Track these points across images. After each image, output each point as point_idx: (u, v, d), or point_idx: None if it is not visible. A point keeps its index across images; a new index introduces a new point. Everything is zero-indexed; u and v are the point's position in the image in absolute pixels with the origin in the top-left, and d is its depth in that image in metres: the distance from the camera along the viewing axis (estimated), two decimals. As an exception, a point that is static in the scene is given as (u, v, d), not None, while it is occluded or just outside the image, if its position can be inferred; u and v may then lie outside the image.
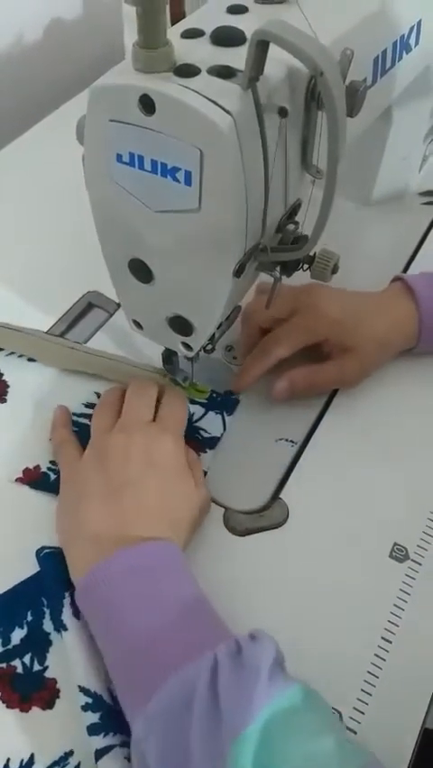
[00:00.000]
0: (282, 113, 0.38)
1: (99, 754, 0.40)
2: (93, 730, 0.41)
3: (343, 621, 0.47)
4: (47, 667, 0.45)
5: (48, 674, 0.45)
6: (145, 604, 0.42)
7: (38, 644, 0.46)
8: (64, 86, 0.87)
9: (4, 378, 0.59)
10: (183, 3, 0.88)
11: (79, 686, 0.42)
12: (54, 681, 0.45)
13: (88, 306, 0.66)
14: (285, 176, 0.42)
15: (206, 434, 0.56)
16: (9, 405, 0.58)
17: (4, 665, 0.45)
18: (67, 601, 0.46)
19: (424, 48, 0.55)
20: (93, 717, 0.41)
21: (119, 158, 0.39)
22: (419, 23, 0.52)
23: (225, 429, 0.57)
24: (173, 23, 0.42)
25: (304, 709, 0.37)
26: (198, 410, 0.57)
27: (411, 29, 0.51)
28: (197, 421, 0.57)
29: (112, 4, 0.96)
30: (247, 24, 0.39)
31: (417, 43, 0.53)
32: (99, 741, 0.41)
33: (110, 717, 0.42)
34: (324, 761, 0.35)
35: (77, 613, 0.45)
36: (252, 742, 0.35)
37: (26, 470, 0.53)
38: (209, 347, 0.52)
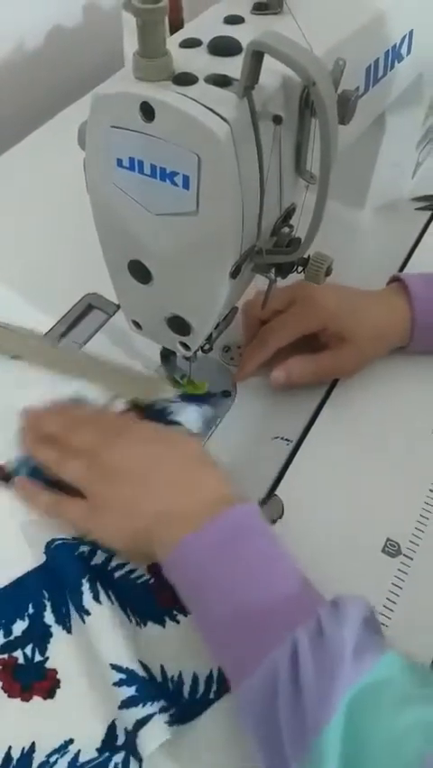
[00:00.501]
0: (277, 120, 0.39)
1: (139, 724, 0.42)
2: (131, 703, 0.42)
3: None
4: (47, 658, 0.46)
5: (48, 665, 0.46)
6: (232, 579, 0.43)
7: (39, 636, 0.47)
8: (65, 92, 0.89)
9: None
10: (181, 11, 0.89)
11: (111, 664, 0.44)
12: (55, 671, 0.46)
13: (88, 307, 0.67)
14: (280, 181, 0.43)
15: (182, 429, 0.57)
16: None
17: (5, 656, 0.46)
18: (86, 587, 0.47)
19: (416, 57, 0.56)
20: (129, 691, 0.43)
21: (120, 162, 0.41)
22: (410, 33, 0.54)
23: (202, 423, 0.58)
24: (172, 31, 0.44)
25: (388, 682, 0.37)
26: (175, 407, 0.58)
27: (403, 39, 0.53)
28: (169, 414, 0.57)
29: (112, 12, 0.97)
30: (243, 35, 0.40)
31: (409, 53, 0.55)
32: (139, 712, 0.42)
33: (145, 688, 0.43)
34: (410, 734, 0.35)
35: (97, 597, 0.46)
36: (335, 733, 0.35)
37: None
38: (207, 347, 0.53)
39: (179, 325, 0.50)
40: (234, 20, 0.43)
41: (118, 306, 0.65)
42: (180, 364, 0.58)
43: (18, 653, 0.47)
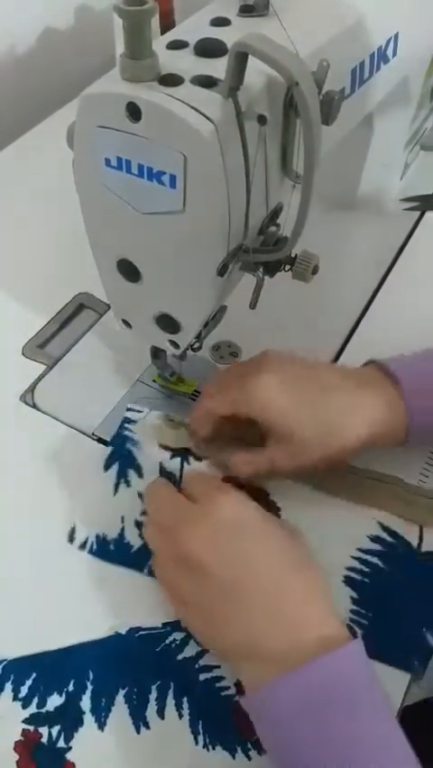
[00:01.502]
0: (262, 120, 0.40)
1: None
2: None
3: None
4: (71, 748, 0.43)
5: (69, 756, 0.43)
6: (314, 753, 0.37)
7: (70, 720, 0.44)
8: (57, 94, 0.89)
9: None
10: (173, 13, 0.90)
11: None
12: (73, 765, 0.43)
13: (79, 307, 0.68)
14: (266, 180, 0.44)
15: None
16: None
17: (31, 728, 0.44)
18: (154, 696, 0.44)
19: (402, 59, 0.57)
20: None
21: (107, 162, 0.41)
22: (396, 36, 0.55)
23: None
24: (163, 33, 0.44)
25: None
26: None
27: (388, 41, 0.54)
28: None
29: (104, 16, 0.98)
30: (229, 36, 0.41)
31: (394, 55, 0.55)
32: None
33: None
34: None
35: (162, 710, 0.44)
36: None
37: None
38: (196, 345, 0.54)
39: (168, 324, 0.50)
40: (220, 22, 0.44)
41: (109, 306, 0.66)
42: (170, 362, 0.59)
43: (44, 731, 0.44)
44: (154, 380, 0.61)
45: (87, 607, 0.49)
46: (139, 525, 0.52)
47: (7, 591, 0.50)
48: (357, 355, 0.60)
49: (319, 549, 0.49)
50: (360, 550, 0.51)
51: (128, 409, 0.57)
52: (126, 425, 0.56)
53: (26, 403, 0.60)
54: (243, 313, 0.51)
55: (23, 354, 0.64)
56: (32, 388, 0.61)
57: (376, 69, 0.53)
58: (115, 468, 0.55)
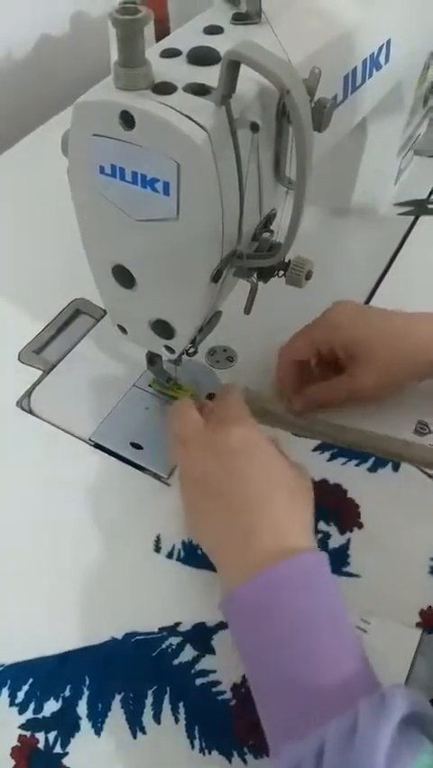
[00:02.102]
0: (254, 128, 0.40)
1: None
2: None
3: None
4: (67, 753, 0.43)
5: (66, 762, 0.43)
6: (275, 646, 0.40)
7: (66, 725, 0.44)
8: (53, 101, 0.89)
9: None
10: (168, 21, 0.90)
11: None
12: None
13: (76, 312, 0.68)
14: (259, 187, 0.44)
15: None
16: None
17: (28, 734, 0.44)
18: (150, 701, 0.45)
19: (394, 65, 0.57)
20: None
21: (102, 169, 0.41)
22: (388, 42, 0.55)
23: None
24: (158, 40, 0.45)
25: None
26: None
27: (381, 48, 0.54)
28: None
29: (99, 23, 0.98)
30: (222, 44, 0.41)
31: (387, 61, 0.56)
32: None
33: None
34: None
35: (159, 715, 0.44)
36: None
37: None
38: (192, 350, 0.54)
39: (163, 329, 0.51)
40: (213, 30, 0.44)
41: (105, 311, 0.66)
42: (166, 368, 0.59)
43: (41, 736, 0.44)
44: (150, 385, 0.61)
45: (83, 612, 0.49)
46: None
47: (4, 597, 0.50)
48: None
49: (404, 540, 0.51)
50: None
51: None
52: None
53: (23, 408, 0.60)
54: (237, 318, 0.51)
55: (19, 360, 0.64)
56: (28, 394, 0.61)
57: (369, 76, 0.54)
58: None
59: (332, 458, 0.57)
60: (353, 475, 0.55)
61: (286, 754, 0.37)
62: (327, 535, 0.52)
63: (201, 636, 0.48)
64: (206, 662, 0.47)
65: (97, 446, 0.58)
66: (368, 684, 0.39)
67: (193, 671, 0.46)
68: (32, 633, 0.48)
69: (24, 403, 0.61)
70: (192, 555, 0.51)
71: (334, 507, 0.53)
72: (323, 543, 0.52)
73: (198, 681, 0.46)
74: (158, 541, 0.52)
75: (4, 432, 0.59)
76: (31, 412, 0.60)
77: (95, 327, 0.66)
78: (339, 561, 0.51)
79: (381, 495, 0.54)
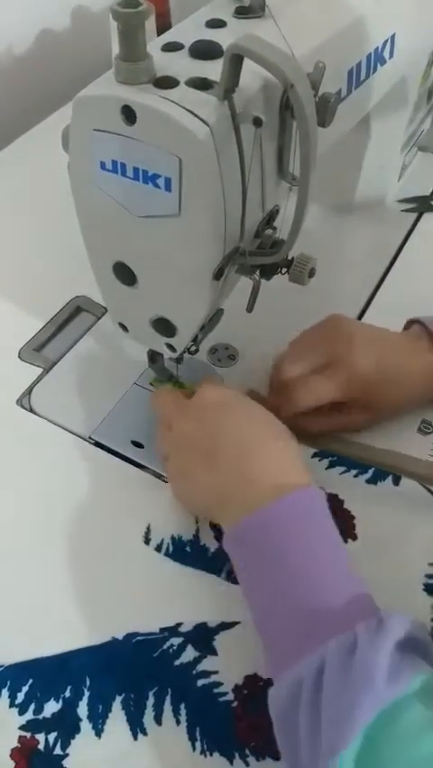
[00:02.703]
0: (257, 123, 0.40)
1: None
2: None
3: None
4: (68, 755, 0.43)
5: (66, 763, 0.43)
6: (279, 573, 0.42)
7: (67, 726, 0.44)
8: (54, 96, 0.89)
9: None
10: (169, 15, 0.90)
11: None
12: None
13: (77, 309, 0.68)
14: (262, 183, 0.44)
15: None
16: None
17: (28, 735, 0.44)
18: (151, 702, 0.44)
19: (398, 60, 0.56)
20: None
21: (102, 165, 0.41)
22: (392, 37, 0.54)
23: None
24: (159, 34, 0.44)
25: (413, 707, 0.34)
26: None
27: (385, 42, 0.53)
28: None
29: (101, 16, 0.98)
30: (224, 38, 0.40)
31: (391, 56, 0.55)
32: None
33: None
34: (429, 763, 0.33)
35: (160, 716, 0.44)
36: (352, 759, 0.33)
37: None
38: (193, 349, 0.53)
39: (164, 327, 0.50)
40: (215, 24, 0.44)
41: (106, 309, 0.65)
42: (168, 366, 0.58)
43: (41, 737, 0.44)
44: (151, 383, 0.60)
45: (83, 612, 0.48)
46: (214, 526, 0.52)
47: (3, 597, 0.49)
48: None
49: (399, 555, 0.50)
50: None
51: None
52: None
53: (23, 407, 0.60)
54: (240, 316, 0.51)
55: (19, 357, 0.63)
56: (28, 392, 0.61)
57: (373, 71, 0.53)
58: None
59: (331, 466, 0.56)
60: (351, 485, 0.54)
61: (288, 673, 0.38)
62: None
63: (203, 637, 0.47)
64: (207, 663, 0.46)
65: (98, 445, 0.57)
66: (367, 608, 0.40)
67: (194, 672, 0.46)
68: (33, 633, 0.48)
69: (25, 401, 0.60)
70: (180, 552, 0.51)
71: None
72: None
73: (200, 683, 0.46)
74: (148, 532, 0.52)
75: (4, 430, 0.58)
76: (31, 410, 0.60)
77: (95, 325, 0.66)
78: None
79: (378, 508, 0.53)
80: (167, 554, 0.51)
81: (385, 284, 0.70)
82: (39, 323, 0.66)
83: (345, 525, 0.52)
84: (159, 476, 0.55)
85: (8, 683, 0.45)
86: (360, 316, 0.67)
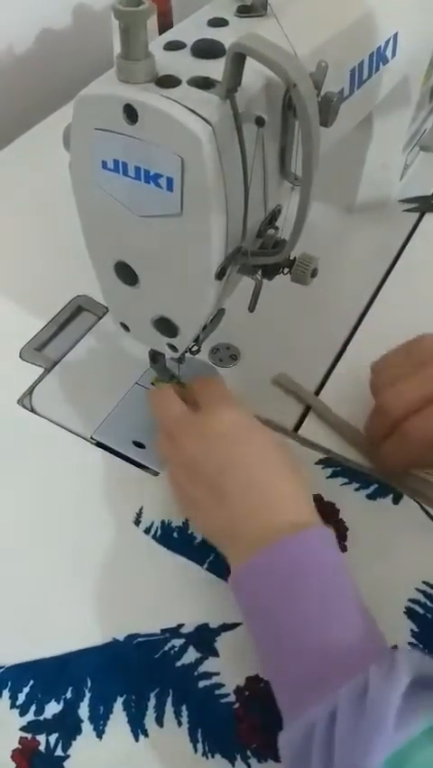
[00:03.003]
0: (260, 122, 0.40)
1: None
2: None
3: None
4: (68, 756, 0.43)
5: (67, 765, 0.43)
6: (286, 617, 0.41)
7: (68, 728, 0.44)
8: (55, 95, 0.89)
9: None
10: (171, 14, 0.90)
11: None
12: None
13: (78, 309, 0.67)
14: (264, 182, 0.43)
15: None
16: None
17: (29, 736, 0.43)
18: (152, 703, 0.44)
19: (401, 60, 0.56)
20: None
21: (104, 164, 0.41)
22: (395, 36, 0.54)
23: None
24: (161, 33, 0.44)
25: (424, 747, 0.34)
26: None
27: (388, 41, 0.53)
28: None
29: (101, 16, 0.97)
30: (227, 37, 0.40)
31: (394, 55, 0.55)
32: None
33: None
34: None
35: (161, 717, 0.44)
36: None
37: None
38: (195, 349, 0.53)
39: (166, 327, 0.50)
40: (218, 23, 0.43)
41: (107, 308, 0.65)
42: (169, 366, 0.58)
43: (42, 738, 0.43)
44: (153, 383, 0.60)
45: (84, 613, 0.48)
46: None
47: (4, 598, 0.49)
48: (356, 357, 0.59)
49: (385, 574, 0.49)
50: (426, 583, 0.49)
51: None
52: None
53: (24, 406, 0.60)
54: (241, 316, 0.51)
55: (20, 357, 0.63)
56: (29, 392, 0.61)
57: (375, 70, 0.53)
58: None
59: (333, 476, 0.55)
60: (350, 498, 0.53)
61: (301, 718, 0.38)
62: None
63: (204, 638, 0.47)
64: (209, 665, 0.46)
65: (99, 444, 0.57)
66: (378, 648, 0.40)
67: (196, 673, 0.46)
68: (33, 634, 0.48)
69: (26, 401, 0.60)
70: (167, 537, 0.51)
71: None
72: None
73: (201, 684, 0.45)
74: (139, 514, 0.53)
75: (5, 430, 0.58)
76: (32, 410, 0.59)
77: (97, 325, 0.66)
78: None
79: (373, 524, 0.52)
80: (154, 537, 0.51)
81: (387, 284, 0.70)
82: (40, 322, 0.66)
83: (337, 535, 0.51)
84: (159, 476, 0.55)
85: (9, 684, 0.45)
86: (362, 316, 0.67)
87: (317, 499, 0.53)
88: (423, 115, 0.75)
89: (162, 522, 0.52)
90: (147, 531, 0.52)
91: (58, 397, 0.60)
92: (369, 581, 0.47)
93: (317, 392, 0.61)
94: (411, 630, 0.47)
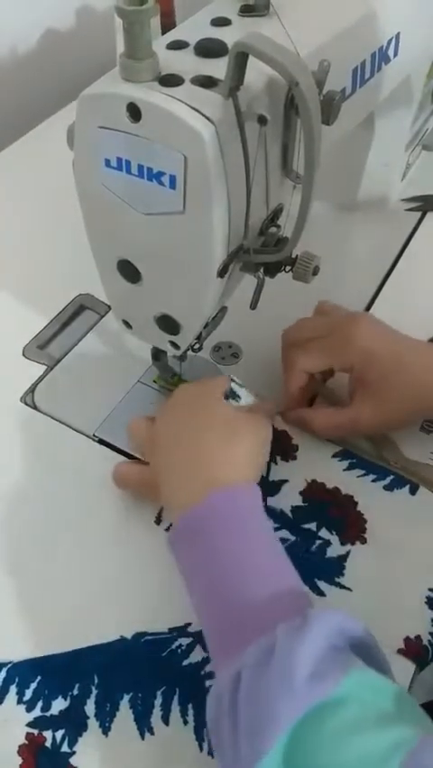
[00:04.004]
0: (262, 120, 0.40)
1: None
2: None
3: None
4: (74, 753, 0.43)
5: (73, 761, 0.43)
6: (207, 573, 0.42)
7: (74, 724, 0.44)
8: (58, 94, 0.89)
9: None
10: (174, 14, 0.90)
11: None
12: None
13: (80, 308, 0.68)
14: (266, 181, 0.44)
15: None
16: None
17: (35, 732, 0.44)
18: (159, 701, 0.44)
19: (403, 59, 0.56)
20: None
21: (107, 163, 0.41)
22: (397, 36, 0.54)
23: None
24: (164, 33, 0.44)
25: (337, 709, 0.33)
26: None
27: (390, 41, 0.53)
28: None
29: (104, 15, 0.98)
30: (229, 36, 0.41)
31: (396, 55, 0.55)
32: None
33: None
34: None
35: (167, 716, 0.44)
36: (274, 764, 0.32)
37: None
38: (197, 346, 0.54)
39: (168, 324, 0.50)
40: (221, 22, 0.44)
41: (110, 307, 0.66)
42: (171, 363, 0.59)
43: (48, 734, 0.43)
44: (155, 381, 0.61)
45: (92, 611, 0.49)
46: None
47: (11, 595, 0.50)
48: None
49: (404, 564, 0.49)
50: None
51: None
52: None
53: (27, 404, 0.60)
54: (243, 313, 0.51)
55: (23, 355, 0.63)
56: (32, 389, 0.61)
57: (377, 69, 0.53)
58: None
59: (350, 468, 0.55)
60: (367, 489, 0.54)
61: (214, 685, 0.38)
62: (326, 543, 0.51)
63: None
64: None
65: (102, 442, 0.57)
66: (295, 606, 0.39)
67: (203, 672, 0.46)
68: (41, 631, 0.48)
69: (29, 398, 0.60)
70: None
71: (339, 518, 0.52)
72: (322, 550, 0.51)
73: (208, 683, 0.45)
74: (159, 514, 0.53)
75: (8, 427, 0.58)
76: (35, 407, 0.60)
77: (99, 323, 0.66)
78: (334, 571, 0.50)
79: (391, 515, 0.53)
80: None
81: (388, 283, 0.70)
82: (43, 320, 0.66)
83: (356, 526, 0.52)
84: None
85: (16, 680, 0.45)
86: (363, 315, 0.67)
87: (335, 492, 0.54)
88: (425, 115, 0.75)
89: None
90: (168, 530, 0.52)
91: (60, 395, 0.61)
92: (389, 572, 0.49)
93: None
94: (432, 619, 0.48)
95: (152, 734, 0.44)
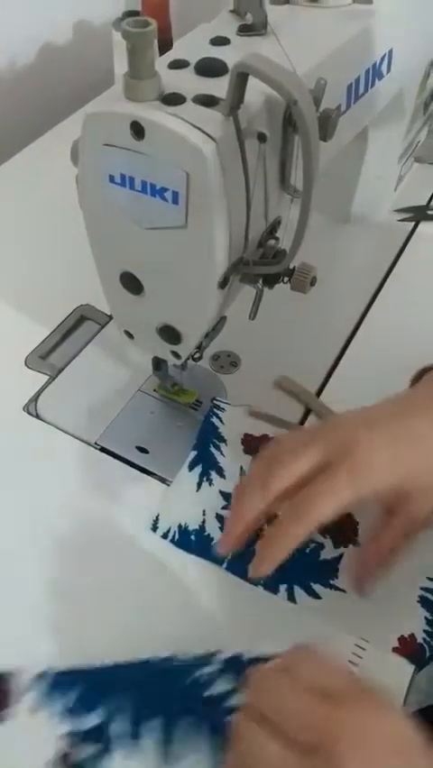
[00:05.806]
0: (261, 138, 0.41)
1: None
2: None
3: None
4: None
5: None
6: None
7: (98, 744, 0.43)
8: (56, 109, 0.90)
9: None
10: (170, 30, 0.91)
11: None
12: None
13: (81, 318, 0.69)
14: (265, 195, 0.45)
15: None
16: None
17: (63, 747, 0.43)
18: (181, 729, 0.43)
19: (396, 74, 0.58)
20: None
21: (111, 179, 0.42)
22: (390, 52, 0.56)
23: None
24: (162, 49, 0.46)
25: None
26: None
27: (383, 57, 0.55)
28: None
29: (102, 30, 0.99)
30: (229, 56, 0.42)
31: (389, 70, 0.57)
32: None
33: None
34: None
35: (189, 745, 0.43)
36: None
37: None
38: (197, 355, 0.55)
39: (169, 335, 0.51)
40: (220, 41, 0.45)
41: (110, 317, 0.67)
42: (172, 372, 0.60)
43: (74, 751, 0.43)
44: (155, 390, 0.62)
45: (117, 631, 0.48)
46: (220, 518, 0.53)
47: (15, 602, 0.50)
48: (354, 365, 0.61)
49: (397, 567, 0.49)
50: None
51: (214, 399, 0.59)
52: (215, 411, 0.58)
53: (29, 413, 0.61)
54: (242, 323, 0.52)
55: (25, 365, 0.64)
56: (35, 399, 0.62)
57: (371, 85, 0.54)
58: (198, 469, 0.56)
59: None
60: None
61: None
62: (320, 546, 0.52)
63: (236, 669, 0.46)
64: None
65: (103, 450, 0.58)
66: None
67: (227, 705, 0.44)
68: (60, 651, 0.47)
69: (31, 408, 0.61)
70: (186, 540, 0.52)
71: (333, 521, 0.52)
72: (315, 553, 0.52)
73: (228, 718, 0.43)
74: (156, 520, 0.53)
75: (11, 436, 0.59)
76: (37, 417, 0.61)
77: (100, 333, 0.67)
78: (328, 573, 0.51)
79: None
80: (173, 542, 0.52)
81: (383, 292, 0.71)
82: (44, 331, 0.67)
83: (348, 530, 0.53)
84: (164, 481, 0.56)
85: (43, 695, 0.45)
86: (359, 323, 0.68)
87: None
88: (417, 127, 0.77)
89: (180, 525, 0.53)
90: (165, 536, 0.52)
91: (62, 404, 0.62)
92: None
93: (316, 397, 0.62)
94: (426, 618, 0.49)
95: (176, 760, 0.43)
